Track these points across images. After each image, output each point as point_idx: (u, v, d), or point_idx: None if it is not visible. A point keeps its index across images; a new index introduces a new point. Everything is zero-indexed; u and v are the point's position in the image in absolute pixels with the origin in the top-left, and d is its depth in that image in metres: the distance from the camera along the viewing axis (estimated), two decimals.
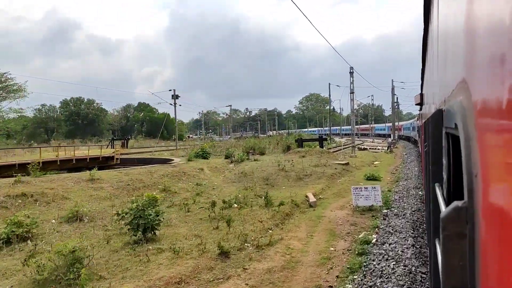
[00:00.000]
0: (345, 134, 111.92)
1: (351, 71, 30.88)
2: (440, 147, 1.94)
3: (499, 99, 0.67)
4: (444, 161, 1.76)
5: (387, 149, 38.11)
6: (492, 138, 0.75)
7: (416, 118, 37.31)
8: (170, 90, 46.05)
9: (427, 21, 4.43)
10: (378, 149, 39.35)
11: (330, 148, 37.11)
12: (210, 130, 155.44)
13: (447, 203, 1.53)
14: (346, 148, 37.74)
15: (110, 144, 54.21)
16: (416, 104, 9.22)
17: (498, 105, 0.68)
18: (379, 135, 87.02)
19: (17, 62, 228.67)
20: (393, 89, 50.02)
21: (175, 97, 45.61)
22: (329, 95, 55.01)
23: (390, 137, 56.69)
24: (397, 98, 53.59)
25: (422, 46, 5.90)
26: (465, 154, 1.00)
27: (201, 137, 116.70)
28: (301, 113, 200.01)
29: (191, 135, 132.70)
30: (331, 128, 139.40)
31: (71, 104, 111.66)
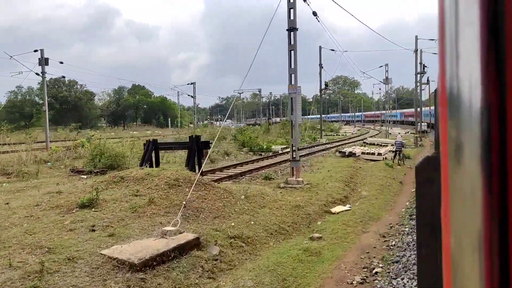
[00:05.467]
0: (357, 121, 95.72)
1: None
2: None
3: None
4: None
5: (394, 158, 20.77)
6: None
7: None
8: (189, 83, 52.95)
9: None
10: (379, 154, 21.87)
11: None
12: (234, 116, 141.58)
13: None
14: (332, 147, 20.76)
15: None
16: None
17: None
18: (405, 122, 69.25)
19: (58, 48, 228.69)
20: (416, 52, 32.03)
21: (194, 91, 52.23)
22: (320, 64, 37.52)
23: (417, 125, 38.47)
24: (423, 66, 35.15)
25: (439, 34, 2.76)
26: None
27: (204, 123, 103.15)
28: (327, 97, 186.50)
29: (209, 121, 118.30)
30: (343, 114, 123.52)
31: (50, 86, 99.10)
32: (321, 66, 37.91)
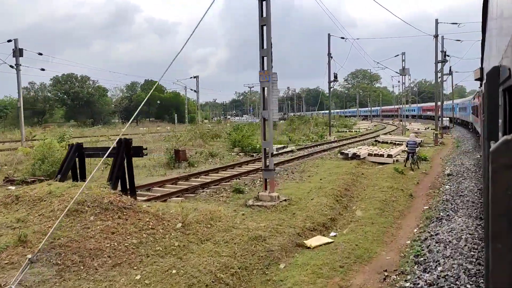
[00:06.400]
0: (375, 116, 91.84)
1: None
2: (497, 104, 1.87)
3: None
4: (500, 120, 1.76)
5: (406, 161, 17.24)
6: None
7: (473, 96, 28.96)
8: (192, 77, 53.36)
9: None
10: (389, 156, 18.40)
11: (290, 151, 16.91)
12: (249, 110, 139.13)
13: None
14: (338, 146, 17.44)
15: None
16: (476, 79, 8.27)
17: None
18: (423, 117, 65.20)
19: (80, 46, 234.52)
20: (437, 38, 27.91)
21: (197, 85, 52.03)
22: (329, 53, 33.91)
23: (440, 121, 34.50)
24: (444, 54, 30.96)
25: (482, 12, 5.44)
26: None
27: (218, 119, 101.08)
28: (346, 91, 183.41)
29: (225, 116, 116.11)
30: (360, 109, 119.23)
31: (62, 82, 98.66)
32: (329, 56, 34.36)
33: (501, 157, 1.01)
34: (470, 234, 7.61)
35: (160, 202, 9.61)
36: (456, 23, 27.62)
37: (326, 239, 8.14)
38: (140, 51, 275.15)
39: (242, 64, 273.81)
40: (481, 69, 7.50)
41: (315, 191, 11.65)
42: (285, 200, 10.36)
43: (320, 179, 13.44)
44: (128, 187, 8.91)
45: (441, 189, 12.93)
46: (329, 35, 34.40)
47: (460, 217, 8.58)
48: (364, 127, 51.67)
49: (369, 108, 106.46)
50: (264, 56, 10.36)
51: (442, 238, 7.60)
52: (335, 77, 34.92)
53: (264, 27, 10.28)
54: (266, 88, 10.35)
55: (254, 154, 21.44)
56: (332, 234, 8.66)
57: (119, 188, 8.80)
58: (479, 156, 19.05)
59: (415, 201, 11.77)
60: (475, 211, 9.13)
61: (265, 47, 10.36)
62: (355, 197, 11.79)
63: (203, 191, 11.24)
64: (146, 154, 9.86)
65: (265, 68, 10.36)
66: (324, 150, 21.90)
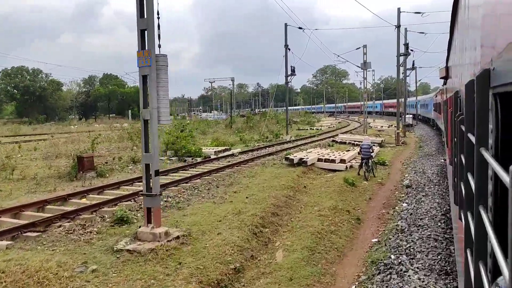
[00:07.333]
0: (341, 113, 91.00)
1: None
2: (487, 109, 1.80)
3: None
4: (491, 125, 1.70)
5: (360, 168, 14.52)
6: None
7: (436, 94, 28.29)
8: None
9: None
10: (342, 161, 15.67)
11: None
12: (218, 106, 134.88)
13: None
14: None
15: None
16: (441, 78, 8.91)
17: None
18: (384, 113, 64.47)
19: (50, 38, 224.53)
20: (399, 28, 25.31)
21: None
22: (285, 43, 31.01)
23: (402, 119, 32.42)
24: (407, 45, 28.58)
25: (452, 13, 5.53)
26: None
27: (183, 115, 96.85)
28: (315, 87, 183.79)
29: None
30: (327, 105, 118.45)
31: (12, 75, 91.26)
32: (286, 47, 31.44)
33: None
34: None
35: None
36: (419, 12, 25.28)
37: None
38: (111, 44, 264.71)
39: (214, 59, 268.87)
40: (447, 68, 7.81)
41: (230, 218, 8.58)
42: (177, 237, 7.20)
43: (247, 197, 10.38)
44: None
45: (396, 208, 10.18)
46: (285, 25, 31.47)
47: (417, 272, 5.72)
48: (328, 124, 49.34)
49: (335, 105, 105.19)
50: (144, 29, 7.12)
51: None
52: (293, 70, 32.05)
53: None
54: (148, 76, 7.11)
55: (189, 158, 18.19)
56: None
57: None
58: (443, 160, 16.65)
59: (362, 229, 8.91)
60: (439, 258, 6.30)
61: (145, 15, 7.11)
62: (284, 225, 8.79)
63: (60, 226, 7.81)
64: None
65: (147, 47, 7.13)
66: (270, 154, 18.89)
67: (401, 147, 24.46)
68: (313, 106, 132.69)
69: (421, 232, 7.49)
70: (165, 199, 10.22)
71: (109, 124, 59.30)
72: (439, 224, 7.96)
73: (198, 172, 13.87)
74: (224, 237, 7.44)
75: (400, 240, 7.43)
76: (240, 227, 7.97)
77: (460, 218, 3.35)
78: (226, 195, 10.84)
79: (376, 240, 7.97)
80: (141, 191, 7.67)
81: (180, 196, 10.74)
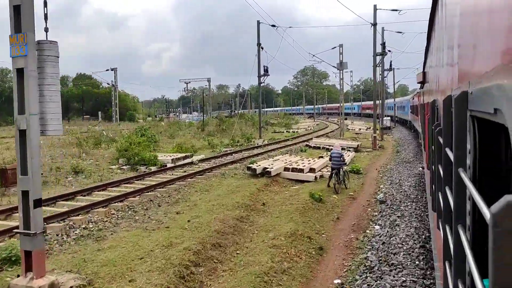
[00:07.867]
0: (321, 114, 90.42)
1: None
2: (465, 131, 1.83)
3: None
4: (468, 146, 1.72)
5: (330, 179, 12.88)
6: None
7: (413, 96, 27.62)
8: (108, 70, 45.67)
9: None
10: (311, 170, 14.01)
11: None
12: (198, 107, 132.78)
13: (479, 190, 1.31)
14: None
15: None
16: (418, 83, 9.20)
17: None
18: (362, 115, 63.99)
19: None
20: (375, 27, 23.91)
21: (116, 78, 44.63)
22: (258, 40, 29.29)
23: (381, 121, 31.14)
24: (384, 44, 27.28)
25: (429, 24, 5.59)
26: None
27: (161, 116, 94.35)
28: (295, 89, 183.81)
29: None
30: (306, 107, 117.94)
31: None
32: (259, 46, 29.71)
33: (506, 222, 0.89)
34: None
35: None
36: (396, 10, 23.97)
37: None
38: (91, 44, 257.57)
39: (196, 59, 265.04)
40: (424, 73, 8.04)
41: (157, 253, 6.68)
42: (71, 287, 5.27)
43: (188, 221, 8.50)
44: None
45: (368, 232, 8.49)
46: (258, 22, 29.73)
47: None
48: (305, 126, 47.81)
49: (314, 106, 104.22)
50: (18, 4, 5.16)
51: None
52: (266, 70, 30.33)
53: None
54: (25, 71, 5.15)
55: (143, 167, 16.17)
56: None
57: None
58: (421, 168, 15.20)
59: (324, 263, 7.15)
60: None
61: None
62: (225, 261, 6.94)
63: None
64: None
65: (23, 30, 5.17)
66: (234, 162, 17.02)
67: (378, 151, 23.05)
68: (292, 107, 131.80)
69: (394, 276, 5.78)
70: (83, 226, 8.22)
71: (80, 126, 56.11)
72: (417, 263, 6.28)
73: (142, 187, 11.88)
74: (136, 286, 5.55)
75: (368, 285, 5.70)
76: (164, 268, 6.09)
77: (438, 228, 3.23)
78: (166, 218, 8.92)
79: (339, 282, 6.22)
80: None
81: (107, 221, 8.77)
